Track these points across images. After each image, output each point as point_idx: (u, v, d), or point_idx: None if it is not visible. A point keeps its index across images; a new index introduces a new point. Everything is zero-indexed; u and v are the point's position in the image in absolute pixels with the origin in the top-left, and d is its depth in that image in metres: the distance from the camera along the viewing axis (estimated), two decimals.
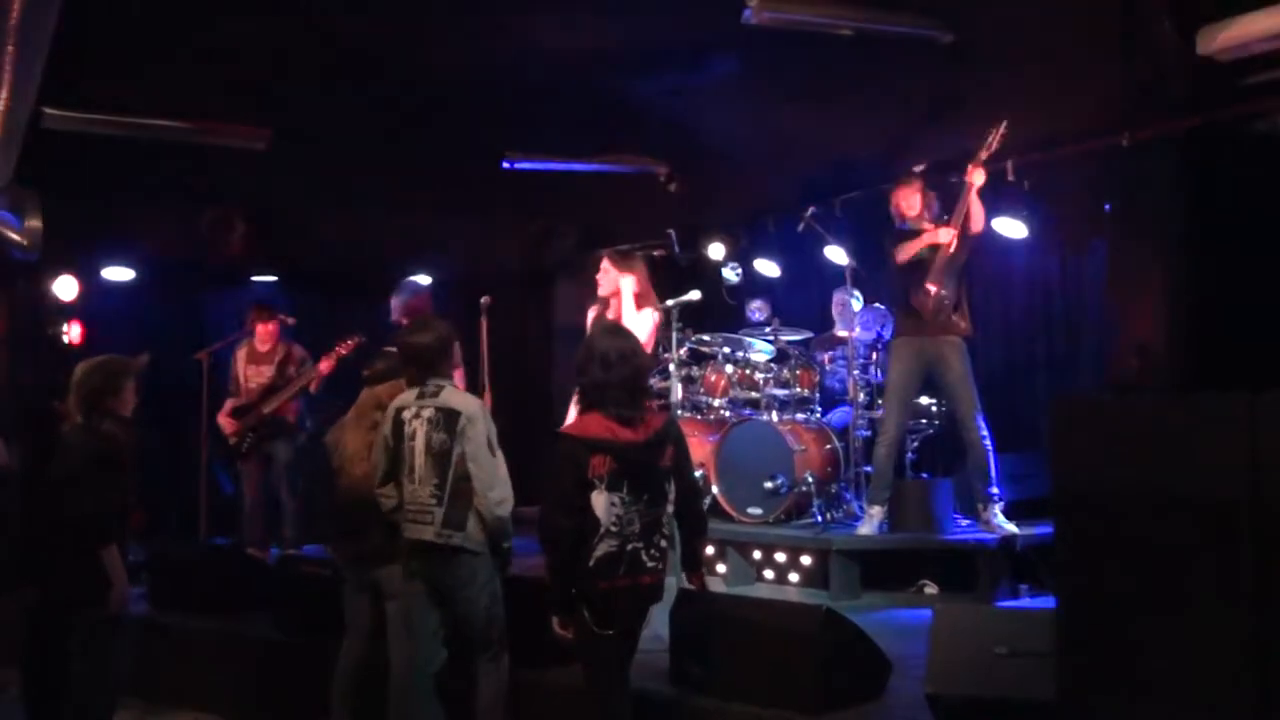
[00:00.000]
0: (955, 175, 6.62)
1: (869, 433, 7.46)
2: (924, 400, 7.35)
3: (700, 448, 7.41)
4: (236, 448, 8.02)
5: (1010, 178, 7.24)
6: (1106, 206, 7.22)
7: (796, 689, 4.39)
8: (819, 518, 7.05)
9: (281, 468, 8.02)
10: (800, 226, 7.95)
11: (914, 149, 7.41)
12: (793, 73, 6.35)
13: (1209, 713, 3.10)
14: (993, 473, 6.59)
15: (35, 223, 6.62)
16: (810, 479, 7.12)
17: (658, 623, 4.69)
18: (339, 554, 5.12)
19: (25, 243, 6.78)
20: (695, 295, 6.32)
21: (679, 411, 6.92)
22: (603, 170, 7.90)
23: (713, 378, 8.02)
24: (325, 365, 7.80)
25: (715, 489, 7.43)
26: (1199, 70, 5.70)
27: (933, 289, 6.61)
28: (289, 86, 6.49)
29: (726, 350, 8.01)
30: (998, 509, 6.58)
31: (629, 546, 3.89)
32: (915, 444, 7.61)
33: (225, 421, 8.03)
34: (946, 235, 6.57)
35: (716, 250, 9.13)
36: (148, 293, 9.61)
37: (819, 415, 7.82)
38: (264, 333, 8.14)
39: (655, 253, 8.72)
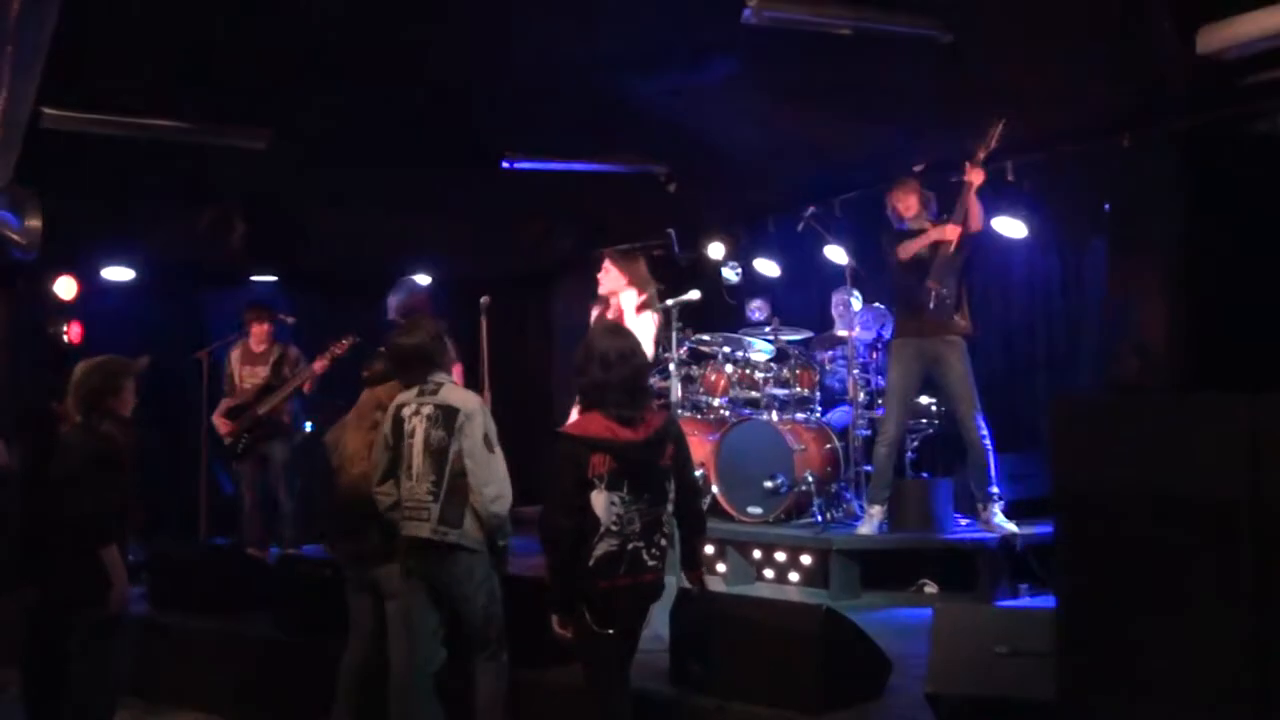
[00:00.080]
0: (955, 175, 6.62)
1: (869, 432, 7.46)
2: (924, 400, 7.35)
3: (700, 447, 7.41)
4: (231, 449, 8.02)
5: (1010, 177, 7.24)
6: (1106, 206, 7.22)
7: (796, 688, 4.39)
8: (819, 517, 7.05)
9: (278, 468, 8.02)
10: (800, 226, 7.95)
11: (914, 149, 7.41)
12: (792, 73, 6.35)
13: (1209, 713, 3.10)
14: (992, 472, 6.59)
15: (35, 222, 6.61)
16: (810, 478, 7.12)
17: (658, 622, 4.69)
18: (339, 554, 5.13)
19: (24, 242, 6.77)
20: (695, 295, 6.32)
21: (679, 411, 6.92)
22: (602, 170, 7.90)
23: (712, 377, 8.02)
24: (319, 366, 7.80)
25: (715, 488, 7.43)
26: (1199, 70, 5.70)
27: (933, 288, 6.61)
28: (288, 86, 6.49)
29: (726, 350, 8.01)
30: (997, 508, 6.59)
31: (630, 546, 3.90)
32: (915, 443, 7.61)
33: (220, 422, 8.02)
34: (951, 233, 6.57)
35: (716, 250, 9.13)
36: (147, 293, 9.61)
37: (819, 415, 7.82)
38: (259, 333, 8.14)
39: (655, 252, 8.72)
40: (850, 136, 7.29)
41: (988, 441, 6.59)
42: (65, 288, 8.97)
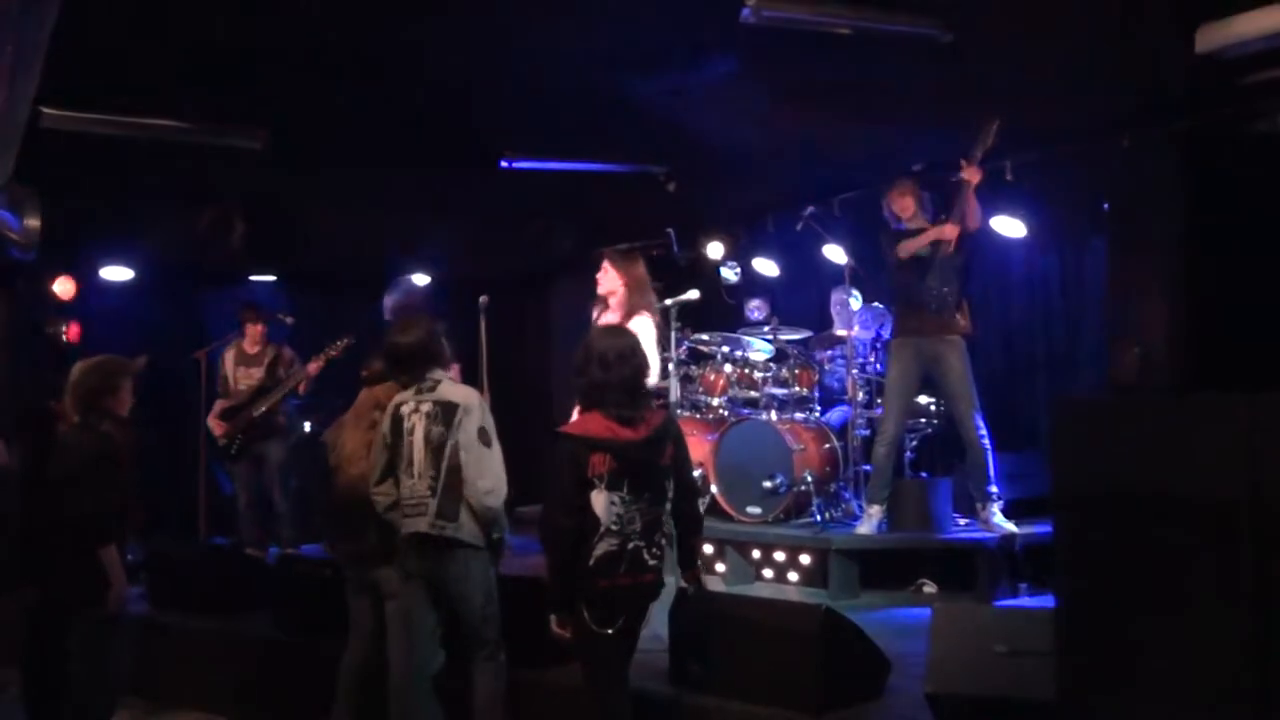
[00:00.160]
0: (954, 174, 6.62)
1: (868, 432, 7.46)
2: (923, 399, 7.35)
3: (699, 447, 7.41)
4: (226, 449, 8.02)
5: (1009, 177, 7.25)
6: (1106, 206, 7.22)
7: (796, 688, 4.39)
8: (818, 517, 7.05)
9: (273, 469, 8.02)
10: (799, 226, 7.94)
11: (913, 148, 7.41)
12: (792, 73, 6.34)
13: (1209, 713, 3.10)
14: (992, 472, 6.59)
15: (33, 222, 6.60)
16: (809, 478, 7.12)
17: (657, 622, 4.69)
18: (338, 554, 5.13)
19: (23, 242, 6.76)
20: (694, 294, 6.32)
21: (678, 411, 6.92)
22: (602, 170, 7.90)
23: (711, 377, 8.02)
24: (314, 367, 7.80)
25: (714, 488, 7.44)
26: (1199, 70, 5.70)
27: (933, 287, 6.61)
28: (288, 86, 6.48)
29: (725, 349, 8.01)
30: (997, 508, 6.59)
31: (630, 545, 3.90)
32: (914, 443, 7.61)
33: (215, 423, 8.02)
34: (950, 232, 6.57)
35: (715, 249, 9.13)
36: (146, 292, 9.61)
37: (818, 414, 7.82)
38: (254, 334, 8.13)
39: (654, 252, 8.72)
40: (849, 136, 7.28)
41: (987, 441, 6.59)
42: (64, 287, 8.97)
